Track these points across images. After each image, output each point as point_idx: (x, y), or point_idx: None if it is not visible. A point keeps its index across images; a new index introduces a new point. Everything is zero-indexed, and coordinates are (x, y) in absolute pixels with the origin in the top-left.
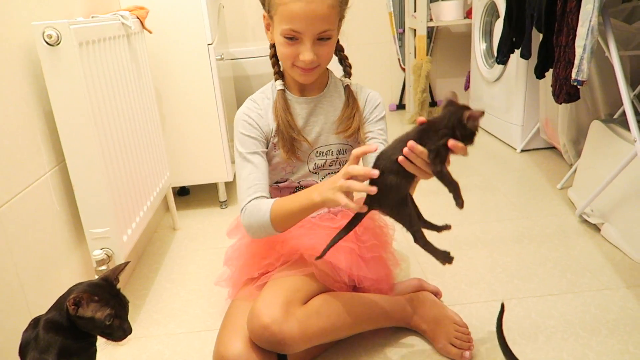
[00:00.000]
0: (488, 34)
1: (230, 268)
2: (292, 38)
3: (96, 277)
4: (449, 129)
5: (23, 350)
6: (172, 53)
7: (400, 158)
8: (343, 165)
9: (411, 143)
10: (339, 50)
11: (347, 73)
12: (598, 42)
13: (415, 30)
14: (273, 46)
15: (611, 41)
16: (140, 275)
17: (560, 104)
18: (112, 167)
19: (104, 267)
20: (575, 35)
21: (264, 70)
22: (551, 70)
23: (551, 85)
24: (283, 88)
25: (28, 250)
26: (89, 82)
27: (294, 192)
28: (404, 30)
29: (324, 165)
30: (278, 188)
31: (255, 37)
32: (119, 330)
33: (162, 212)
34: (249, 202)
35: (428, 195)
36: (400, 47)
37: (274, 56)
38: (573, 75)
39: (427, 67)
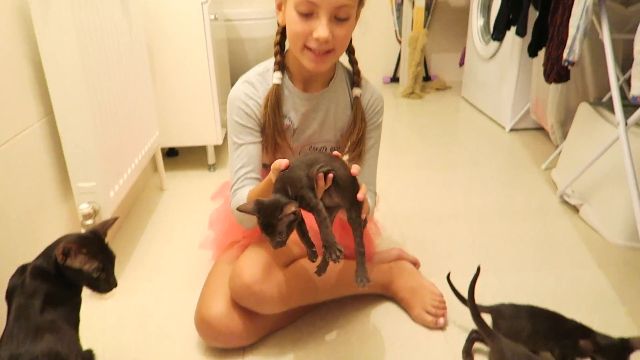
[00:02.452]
0: (486, 9)
1: (215, 231)
2: (307, 14)
3: (82, 230)
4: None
5: (9, 295)
6: (165, 9)
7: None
8: None
9: None
10: (350, 52)
11: (356, 82)
12: (592, 23)
13: (413, 1)
14: (279, 33)
15: (605, 23)
16: (126, 232)
17: (550, 83)
18: (100, 121)
19: (90, 221)
20: (569, 16)
21: (258, 34)
22: (544, 49)
23: (543, 64)
24: (280, 82)
25: (14, 200)
26: (79, 33)
27: None
28: (402, 1)
29: None
30: (268, 170)
31: None
32: (105, 283)
33: (150, 172)
34: (234, 196)
35: (410, 169)
36: (397, 18)
37: (278, 43)
38: (564, 56)
39: (423, 40)
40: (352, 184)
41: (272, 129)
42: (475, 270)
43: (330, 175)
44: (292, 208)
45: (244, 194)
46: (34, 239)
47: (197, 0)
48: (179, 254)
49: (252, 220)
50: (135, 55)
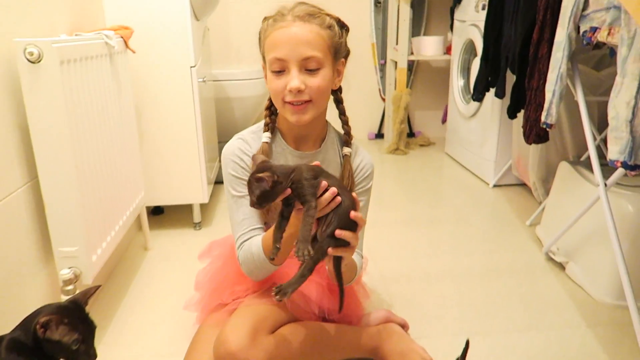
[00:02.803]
0: (466, 70)
1: (200, 292)
2: (280, 71)
3: (62, 296)
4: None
5: None
6: (155, 73)
7: None
8: None
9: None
10: (341, 113)
11: (346, 142)
12: (567, 86)
13: (396, 62)
14: (269, 99)
15: (579, 87)
16: (108, 295)
17: (530, 144)
18: (85, 185)
19: (71, 287)
20: (545, 80)
21: (245, 93)
22: (523, 111)
23: (522, 126)
24: (269, 141)
25: None
26: (67, 100)
27: None
28: (385, 62)
29: None
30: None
31: (238, 60)
32: (84, 355)
33: (134, 231)
34: (242, 248)
35: (397, 227)
36: (381, 77)
37: (268, 108)
38: (542, 119)
39: (407, 99)
40: (351, 219)
41: None
42: (464, 340)
43: (338, 198)
44: (266, 174)
45: (256, 242)
46: (12, 307)
47: (186, 64)
48: (163, 317)
49: (263, 270)
50: (123, 117)
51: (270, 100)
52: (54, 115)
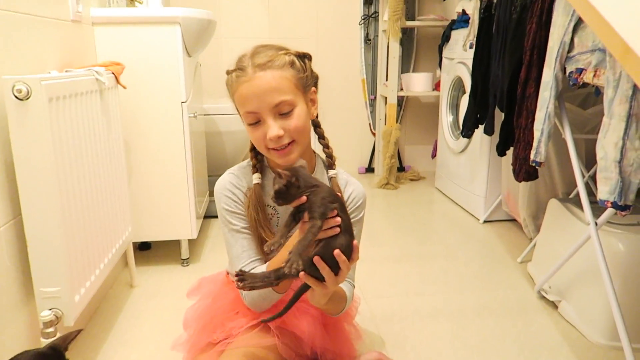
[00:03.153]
0: (454, 107)
1: (189, 331)
2: (255, 123)
3: (42, 339)
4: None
5: None
6: (146, 108)
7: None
8: None
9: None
10: (320, 137)
11: (330, 165)
12: (555, 125)
13: (386, 98)
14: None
15: (566, 125)
16: (90, 336)
17: (520, 182)
18: (70, 223)
19: (51, 329)
20: (533, 119)
21: (236, 127)
22: (512, 148)
23: (512, 164)
24: (260, 182)
25: None
26: (55, 137)
27: None
28: (375, 97)
29: None
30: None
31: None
32: None
33: (120, 267)
34: None
35: (387, 263)
36: (371, 112)
37: (252, 149)
38: (532, 157)
39: (397, 134)
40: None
41: (256, 225)
42: None
43: (337, 229)
44: (285, 173)
45: (260, 270)
46: None
47: (177, 100)
48: (148, 358)
49: (267, 299)
50: (112, 153)
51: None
52: (40, 153)
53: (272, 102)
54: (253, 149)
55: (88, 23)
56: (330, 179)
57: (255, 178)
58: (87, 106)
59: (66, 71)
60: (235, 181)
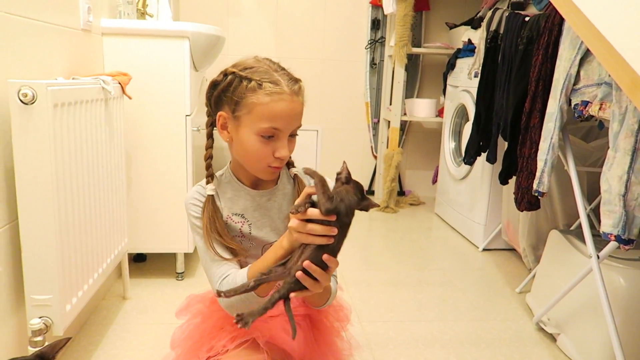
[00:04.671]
0: (457, 134)
1: (177, 351)
2: (269, 137)
3: (30, 347)
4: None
5: None
6: (150, 120)
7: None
8: None
9: None
10: None
11: (290, 163)
12: (558, 156)
13: (389, 122)
14: (210, 147)
15: (570, 157)
16: (78, 347)
17: (522, 211)
18: (66, 230)
19: (40, 338)
20: (537, 149)
21: None
22: (514, 177)
23: (514, 193)
24: (214, 194)
25: None
26: (57, 143)
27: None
28: (378, 120)
29: None
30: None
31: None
32: None
33: (113, 278)
34: (225, 279)
35: (384, 287)
36: (374, 135)
37: (209, 157)
38: (534, 187)
39: (398, 158)
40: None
41: (220, 236)
42: None
43: (331, 240)
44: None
45: (242, 273)
46: None
47: (182, 113)
48: None
49: (246, 302)
50: (112, 163)
51: (212, 149)
52: (41, 158)
53: (294, 126)
54: (209, 157)
55: (98, 33)
56: (294, 176)
57: (210, 190)
58: (92, 114)
59: (73, 78)
60: (202, 191)
